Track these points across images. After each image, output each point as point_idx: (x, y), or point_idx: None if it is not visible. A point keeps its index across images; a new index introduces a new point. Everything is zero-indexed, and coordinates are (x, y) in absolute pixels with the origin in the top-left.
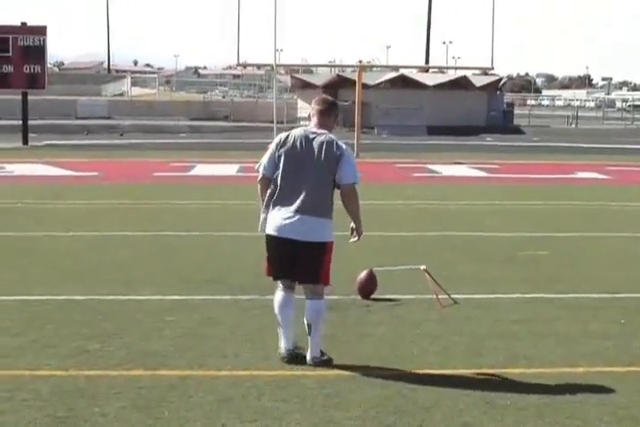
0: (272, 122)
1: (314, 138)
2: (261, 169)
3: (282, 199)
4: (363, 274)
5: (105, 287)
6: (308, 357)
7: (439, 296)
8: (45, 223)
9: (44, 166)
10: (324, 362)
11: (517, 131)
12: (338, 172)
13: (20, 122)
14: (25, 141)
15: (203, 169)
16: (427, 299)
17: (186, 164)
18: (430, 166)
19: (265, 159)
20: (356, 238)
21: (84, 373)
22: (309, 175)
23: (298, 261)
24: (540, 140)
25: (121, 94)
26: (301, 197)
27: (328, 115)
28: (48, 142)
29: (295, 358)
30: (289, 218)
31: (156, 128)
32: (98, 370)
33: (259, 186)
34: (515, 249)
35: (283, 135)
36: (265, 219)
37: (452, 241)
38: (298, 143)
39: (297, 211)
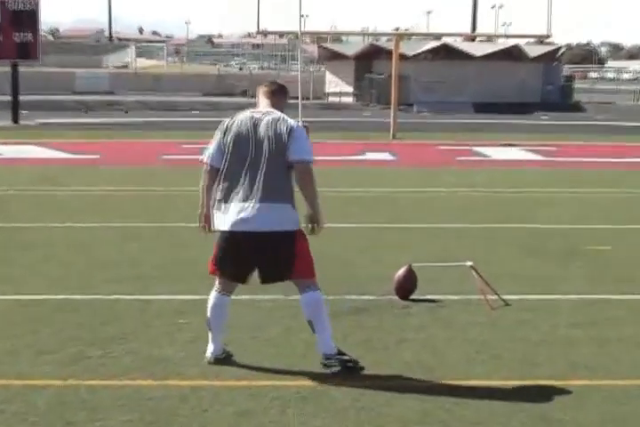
0: (297, 98)
1: (261, 118)
2: (208, 159)
3: (233, 190)
4: (401, 271)
5: (108, 285)
6: (321, 356)
7: (488, 297)
8: (40, 212)
9: (37, 148)
10: (341, 363)
11: (577, 108)
12: (288, 149)
13: (10, 97)
14: (15, 120)
15: None
16: (474, 300)
17: (199, 145)
18: (477, 149)
19: (211, 148)
20: (311, 228)
21: (84, 382)
22: (260, 160)
23: (263, 258)
24: (603, 119)
25: (124, 66)
26: (254, 184)
27: (277, 96)
28: (41, 121)
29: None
30: (244, 209)
31: (164, 105)
32: (100, 379)
33: (205, 178)
34: (575, 243)
35: (227, 120)
36: (214, 215)
37: (502, 234)
38: (244, 127)
39: (251, 200)
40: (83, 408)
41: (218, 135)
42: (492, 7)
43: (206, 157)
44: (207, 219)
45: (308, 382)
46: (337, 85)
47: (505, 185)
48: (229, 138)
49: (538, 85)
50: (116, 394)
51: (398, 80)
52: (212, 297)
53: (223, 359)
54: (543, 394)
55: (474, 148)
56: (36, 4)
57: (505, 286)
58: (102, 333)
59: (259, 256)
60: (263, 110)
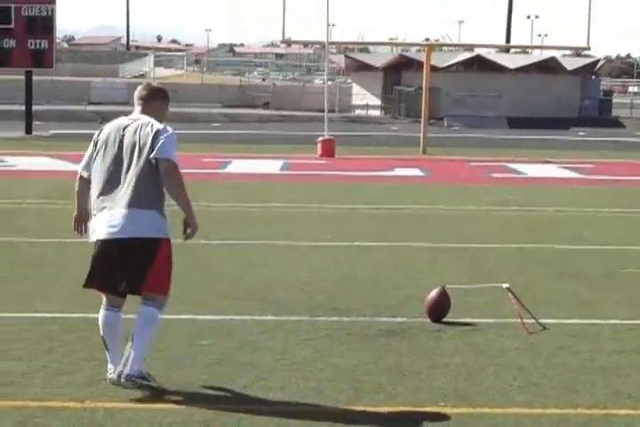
0: (321, 110)
1: (129, 125)
2: (80, 168)
3: (101, 198)
4: (433, 293)
5: (126, 304)
6: (124, 373)
7: (525, 321)
8: (55, 227)
9: (50, 160)
10: (140, 386)
11: (616, 123)
12: (152, 150)
13: (23, 107)
14: (28, 130)
15: (239, 165)
16: (510, 323)
17: (220, 159)
18: (511, 165)
19: (84, 157)
20: (189, 232)
21: (102, 405)
22: (126, 166)
23: (123, 267)
24: None
25: (142, 75)
26: (120, 191)
27: (149, 102)
28: (55, 132)
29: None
30: (108, 217)
31: (183, 116)
32: (119, 402)
33: (76, 188)
34: (616, 266)
35: (101, 128)
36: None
37: (539, 255)
38: (112, 134)
39: (117, 207)
40: None
41: (91, 144)
42: (528, 17)
43: (79, 166)
44: (78, 222)
45: (336, 407)
46: (364, 98)
47: (541, 204)
48: (98, 146)
49: (575, 100)
50: (135, 418)
51: (429, 93)
52: (100, 314)
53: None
54: (584, 423)
55: (508, 164)
56: (52, 10)
57: (542, 309)
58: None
59: (120, 265)
60: (133, 117)
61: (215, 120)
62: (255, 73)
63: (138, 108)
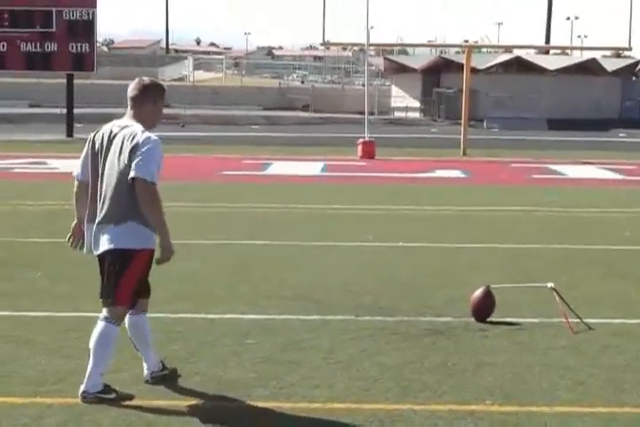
0: (360, 113)
1: (118, 132)
2: (75, 174)
3: (89, 209)
4: (478, 292)
5: (171, 303)
6: (80, 389)
7: (570, 320)
8: None
9: None
10: (98, 400)
11: None
12: (130, 166)
13: (65, 110)
14: (70, 133)
15: (280, 167)
16: (554, 323)
17: (260, 161)
18: (552, 167)
19: (80, 161)
20: (160, 256)
21: (151, 402)
22: (110, 177)
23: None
24: None
25: (181, 79)
26: (103, 203)
27: (141, 102)
28: None
29: (162, 379)
30: (94, 230)
31: (222, 119)
32: (168, 400)
33: (73, 193)
34: None
35: (94, 133)
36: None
37: (584, 255)
38: (100, 141)
39: (98, 220)
40: None
41: (85, 148)
42: (567, 19)
43: (74, 170)
44: (75, 232)
45: (383, 406)
46: (403, 100)
47: (584, 205)
48: (90, 151)
49: (616, 101)
50: (185, 417)
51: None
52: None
53: (164, 376)
54: (632, 421)
55: (549, 165)
56: (93, 14)
57: (588, 309)
58: (167, 352)
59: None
60: (123, 123)
61: (255, 122)
62: (294, 75)
63: (129, 112)
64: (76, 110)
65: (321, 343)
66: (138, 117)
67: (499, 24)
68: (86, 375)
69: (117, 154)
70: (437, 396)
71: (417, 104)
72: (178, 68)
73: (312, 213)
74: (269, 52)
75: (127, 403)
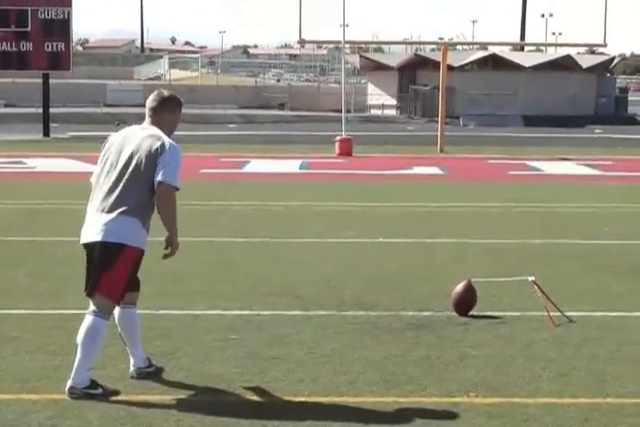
0: (336, 110)
1: (135, 134)
2: (92, 180)
3: (91, 203)
4: (459, 286)
5: (155, 300)
6: (67, 385)
7: (551, 313)
8: (79, 227)
9: (69, 161)
10: (85, 395)
11: (633, 121)
12: (155, 169)
13: (41, 110)
14: (46, 132)
15: (258, 165)
16: (536, 316)
17: (238, 159)
18: (529, 163)
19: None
20: (168, 250)
21: (137, 398)
22: (122, 175)
23: (90, 268)
24: None
25: (157, 78)
26: (109, 196)
27: (160, 112)
28: (73, 134)
29: (147, 376)
30: (91, 221)
31: (199, 118)
32: (154, 394)
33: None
34: (639, 260)
35: (109, 136)
36: None
37: (563, 250)
38: (119, 142)
39: (98, 210)
40: (137, 424)
41: (101, 151)
42: (542, 16)
43: (92, 178)
44: None
45: (367, 399)
46: (379, 97)
47: (561, 200)
48: (105, 153)
49: (591, 97)
50: (171, 410)
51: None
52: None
53: (149, 373)
54: (615, 412)
55: (526, 162)
56: (69, 13)
57: (568, 302)
58: (152, 348)
59: (90, 268)
60: (142, 127)
61: (231, 121)
62: (270, 74)
63: (148, 120)
64: (51, 110)
65: (304, 338)
66: (156, 124)
67: (473, 22)
68: (73, 371)
69: (138, 153)
70: (421, 389)
71: (393, 102)
72: (153, 68)
73: (292, 210)
74: (245, 50)
75: (114, 398)
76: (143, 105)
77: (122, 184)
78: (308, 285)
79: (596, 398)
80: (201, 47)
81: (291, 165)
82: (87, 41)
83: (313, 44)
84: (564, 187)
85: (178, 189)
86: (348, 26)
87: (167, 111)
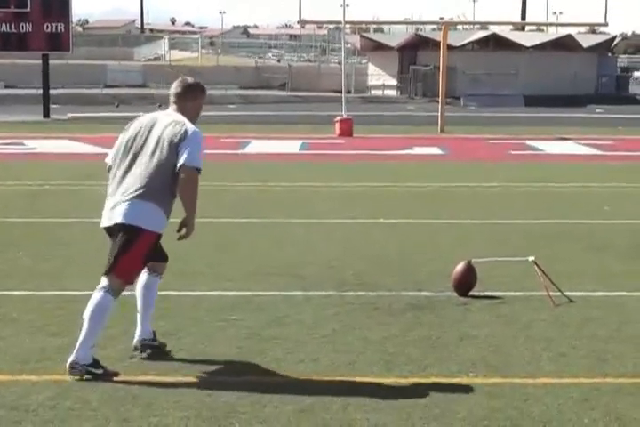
0: (337, 91)
1: (160, 120)
2: (107, 160)
3: (110, 185)
4: (459, 267)
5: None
6: (68, 360)
7: (551, 293)
8: (80, 208)
9: (69, 142)
10: (86, 372)
11: (634, 100)
12: (177, 154)
13: (41, 91)
14: (46, 114)
15: (259, 146)
16: (536, 296)
17: (238, 139)
18: (530, 143)
19: (112, 150)
20: (183, 232)
21: (137, 378)
22: (144, 160)
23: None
24: None
25: (157, 59)
26: (129, 179)
27: (184, 98)
28: (73, 115)
29: (149, 348)
30: (110, 204)
31: None
32: (154, 375)
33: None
34: None
35: (133, 120)
36: None
37: (564, 230)
38: (144, 126)
39: (118, 193)
40: (137, 404)
41: (120, 134)
42: None
43: (108, 158)
44: None
45: (368, 379)
46: (380, 78)
47: (563, 180)
48: (125, 136)
49: (592, 77)
50: (171, 390)
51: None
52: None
53: (152, 347)
54: (615, 391)
55: (527, 142)
56: None
57: (569, 282)
58: (153, 328)
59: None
60: (167, 113)
61: (232, 102)
62: (270, 54)
63: (173, 106)
64: (51, 91)
65: (305, 319)
66: (180, 111)
67: (474, 1)
68: (76, 346)
69: (162, 138)
70: (421, 369)
71: (394, 82)
72: (153, 48)
73: (293, 190)
74: (245, 30)
75: (114, 378)
76: (143, 86)
77: (143, 169)
78: (309, 265)
79: (596, 378)
80: (201, 28)
81: (291, 146)
82: (87, 21)
83: (313, 25)
84: (565, 167)
85: (200, 171)
86: (348, 6)
87: (190, 98)
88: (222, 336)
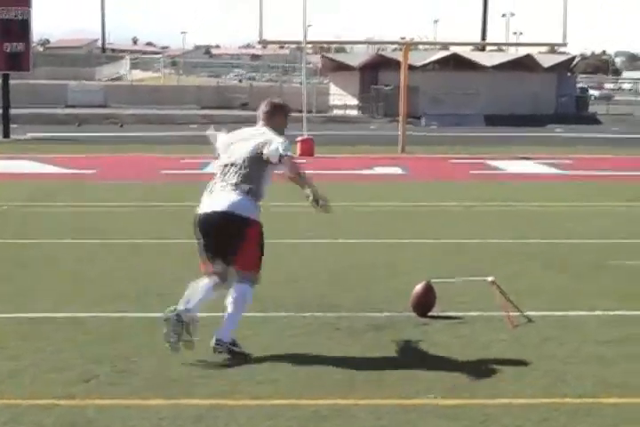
0: (299, 111)
1: (253, 134)
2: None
3: (210, 185)
4: (419, 287)
5: (114, 303)
6: (214, 337)
7: (510, 313)
8: (38, 229)
9: (29, 163)
10: (229, 351)
11: (593, 120)
12: (266, 151)
13: (0, 111)
14: (6, 134)
15: None
16: (495, 316)
17: (199, 160)
18: (491, 162)
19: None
20: (320, 204)
21: (93, 402)
22: (239, 159)
23: (219, 238)
24: (620, 132)
25: (119, 78)
26: (232, 180)
27: (272, 117)
28: (33, 135)
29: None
30: (213, 197)
31: (161, 118)
32: (109, 399)
33: None
34: (600, 258)
35: (227, 136)
36: None
37: (524, 249)
38: (235, 138)
39: (223, 190)
40: None
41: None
42: (503, 15)
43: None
44: None
45: (326, 401)
46: (341, 97)
47: (522, 199)
48: (220, 149)
49: (552, 97)
50: (127, 414)
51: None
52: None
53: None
54: (573, 412)
55: (487, 161)
56: (28, 14)
57: (528, 302)
58: (110, 351)
59: (217, 238)
60: (256, 128)
61: (193, 122)
62: (232, 74)
63: (261, 122)
64: (12, 111)
65: (263, 340)
66: (268, 127)
67: (435, 21)
68: (220, 329)
69: (254, 145)
70: (381, 390)
71: (355, 102)
72: (115, 68)
73: None
74: (207, 50)
75: (69, 402)
76: (104, 106)
77: (243, 172)
78: (268, 286)
79: (555, 398)
80: (163, 47)
81: None
82: (48, 41)
83: (275, 45)
84: (525, 186)
85: (292, 157)
86: (310, 26)
87: (278, 116)
88: (180, 358)
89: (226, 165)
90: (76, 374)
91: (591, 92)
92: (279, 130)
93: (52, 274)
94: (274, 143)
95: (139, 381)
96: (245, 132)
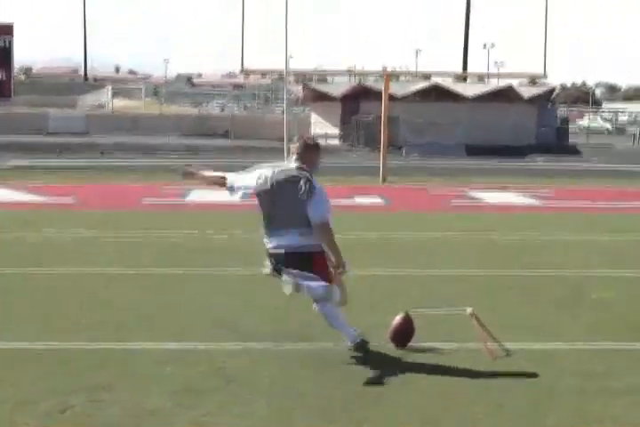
0: (280, 140)
1: (290, 173)
2: (231, 181)
3: (266, 225)
4: (397, 318)
5: (89, 333)
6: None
7: (488, 345)
8: (14, 258)
9: (8, 191)
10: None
11: (573, 151)
12: (308, 209)
13: None
14: None
15: (200, 195)
16: (474, 348)
17: (180, 188)
18: (471, 193)
19: (241, 178)
20: (340, 270)
21: None
22: (285, 202)
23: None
24: (600, 162)
25: (100, 107)
26: (284, 220)
27: (305, 154)
28: (13, 163)
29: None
30: (278, 237)
31: (142, 147)
32: None
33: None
34: (578, 290)
35: (268, 171)
36: None
37: (503, 281)
38: (277, 179)
39: (281, 230)
40: None
41: (252, 173)
42: (484, 46)
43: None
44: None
45: None
46: (322, 127)
47: (502, 230)
48: (267, 185)
49: (532, 127)
50: None
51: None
52: None
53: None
54: None
55: (468, 192)
56: (10, 42)
57: (506, 334)
58: (86, 382)
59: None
60: (292, 163)
61: (174, 150)
62: (213, 103)
63: (295, 156)
64: None
65: (241, 371)
66: (302, 162)
67: (417, 51)
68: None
69: (295, 191)
70: (359, 422)
71: (336, 131)
72: (97, 96)
73: (234, 240)
74: (189, 79)
75: None
76: (85, 134)
77: (291, 218)
78: (247, 316)
79: None
80: (145, 76)
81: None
82: (31, 69)
83: (257, 74)
84: (505, 217)
85: (328, 223)
86: (292, 57)
87: (309, 153)
88: (157, 390)
89: (277, 212)
90: (52, 405)
91: (601, 123)
92: (312, 166)
93: (27, 304)
94: (314, 205)
95: (115, 411)
96: (284, 171)
